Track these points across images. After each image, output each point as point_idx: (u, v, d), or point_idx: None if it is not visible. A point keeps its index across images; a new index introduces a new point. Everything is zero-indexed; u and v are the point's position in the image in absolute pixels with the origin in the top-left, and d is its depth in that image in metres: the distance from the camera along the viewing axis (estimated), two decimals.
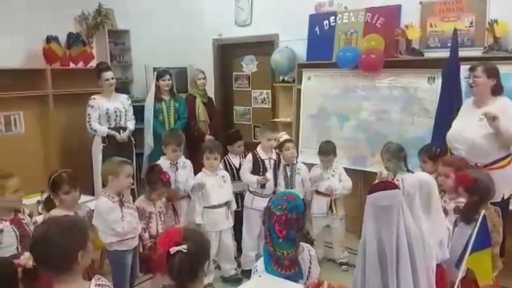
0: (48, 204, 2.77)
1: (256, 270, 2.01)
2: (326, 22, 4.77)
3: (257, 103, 5.75)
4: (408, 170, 3.54)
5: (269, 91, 5.59)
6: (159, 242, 1.64)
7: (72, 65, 5.28)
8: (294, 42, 4.97)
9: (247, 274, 3.62)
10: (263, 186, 3.66)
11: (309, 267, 2.04)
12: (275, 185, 3.76)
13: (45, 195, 3.45)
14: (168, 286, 1.66)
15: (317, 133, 4.72)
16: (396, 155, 3.56)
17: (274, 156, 3.79)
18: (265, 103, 5.67)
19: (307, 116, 4.84)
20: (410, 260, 1.81)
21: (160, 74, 4.96)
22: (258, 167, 3.69)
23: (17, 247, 2.40)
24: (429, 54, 4.17)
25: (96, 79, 4.72)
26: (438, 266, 2.07)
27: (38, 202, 3.45)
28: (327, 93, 4.68)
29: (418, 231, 1.89)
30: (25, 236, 2.43)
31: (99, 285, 1.61)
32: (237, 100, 5.93)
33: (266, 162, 3.71)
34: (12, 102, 4.73)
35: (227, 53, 5.85)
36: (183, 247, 1.56)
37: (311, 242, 2.18)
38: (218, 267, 3.75)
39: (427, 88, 4.04)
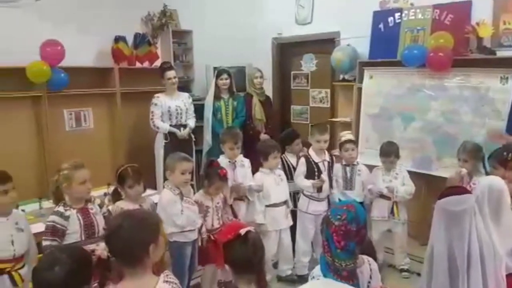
0: (115, 196, 2.90)
1: (313, 277, 1.95)
2: (391, 19, 4.61)
3: (315, 102, 5.68)
4: (487, 173, 3.25)
5: (328, 90, 5.50)
6: (220, 235, 1.66)
7: (138, 65, 5.50)
8: (356, 39, 4.85)
9: (301, 279, 3.59)
10: (319, 189, 3.59)
11: (369, 282, 1.92)
12: (331, 186, 3.69)
13: (111, 188, 3.64)
14: (225, 283, 1.67)
15: (379, 134, 4.56)
16: (473, 155, 3.32)
17: (327, 157, 3.71)
18: (324, 102, 5.59)
19: (368, 116, 4.70)
20: (481, 268, 1.69)
21: (219, 73, 5.04)
22: (312, 171, 3.61)
23: (81, 235, 2.51)
24: (502, 53, 3.91)
25: (160, 78, 4.89)
26: (508, 276, 1.92)
27: (105, 194, 3.65)
28: (390, 92, 4.52)
29: (489, 238, 1.76)
30: (89, 225, 2.55)
31: (167, 281, 1.62)
32: (295, 99, 5.89)
33: (320, 165, 3.63)
34: (82, 99, 5.01)
35: (286, 52, 5.83)
36: (251, 228, 1.60)
37: (374, 254, 2.05)
38: (275, 266, 3.74)
39: (499, 89, 3.79)
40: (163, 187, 3.12)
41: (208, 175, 3.15)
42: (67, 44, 4.54)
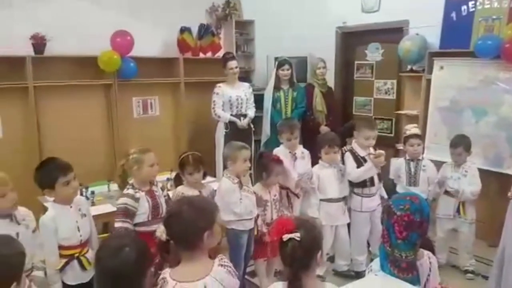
0: (177, 182, 2.99)
1: (371, 270, 1.91)
2: (464, 7, 4.32)
3: (380, 93, 5.48)
4: None
5: (394, 81, 5.29)
6: (272, 229, 1.66)
7: (201, 55, 5.62)
8: (425, 28, 4.61)
9: (358, 275, 3.51)
10: (371, 184, 3.44)
11: (428, 275, 1.87)
12: (379, 180, 3.55)
13: (174, 174, 3.76)
14: (280, 272, 1.66)
15: (448, 128, 4.32)
16: None
17: (372, 151, 3.51)
18: (389, 94, 5.38)
19: (437, 109, 4.47)
20: None
21: (280, 63, 5.01)
22: (359, 165, 3.46)
23: (148, 215, 2.64)
24: None
25: (222, 68, 4.96)
26: None
27: (168, 179, 3.78)
28: (461, 84, 4.26)
29: None
30: (156, 206, 2.68)
31: (222, 265, 1.69)
32: (358, 90, 5.72)
33: (367, 158, 3.46)
34: (149, 87, 5.22)
35: (351, 41, 5.68)
36: (296, 235, 1.57)
37: (432, 252, 1.98)
38: (331, 260, 3.69)
39: None
40: (223, 175, 3.18)
41: (264, 166, 3.15)
42: (136, 35, 4.73)
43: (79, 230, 2.43)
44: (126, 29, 4.70)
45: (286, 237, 1.57)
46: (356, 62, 5.67)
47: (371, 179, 3.46)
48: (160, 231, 2.32)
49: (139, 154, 2.65)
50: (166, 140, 5.33)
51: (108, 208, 3.32)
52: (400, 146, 3.94)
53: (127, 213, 2.57)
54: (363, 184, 3.47)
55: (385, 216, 1.84)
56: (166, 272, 1.71)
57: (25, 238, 2.23)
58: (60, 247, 2.39)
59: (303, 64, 5.61)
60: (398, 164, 3.75)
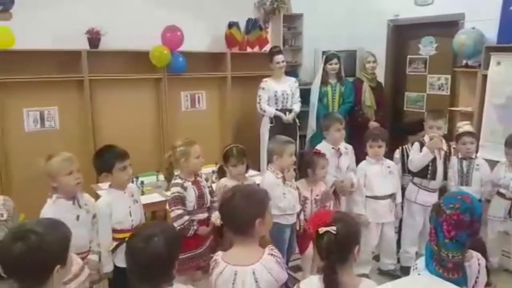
0: (220, 174, 3.04)
1: (416, 268, 1.87)
2: None
3: (433, 89, 5.27)
4: None
5: (449, 76, 5.08)
6: (309, 222, 1.67)
7: (248, 49, 5.65)
8: (482, 22, 4.39)
9: (405, 270, 3.42)
10: (432, 177, 3.32)
11: (477, 277, 1.80)
12: (445, 178, 3.42)
13: (218, 166, 3.82)
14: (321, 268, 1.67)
15: (504, 126, 4.10)
16: None
17: (444, 146, 3.43)
18: (443, 90, 5.17)
19: (493, 106, 4.24)
20: None
21: (329, 57, 4.94)
22: None
23: (194, 204, 2.73)
24: None
25: (269, 62, 4.96)
26: None
27: (213, 171, 3.85)
28: None
29: None
30: (201, 196, 2.76)
31: (272, 254, 1.76)
32: (410, 86, 5.54)
33: (436, 152, 3.37)
34: (197, 82, 5.32)
35: (403, 35, 5.50)
36: (331, 228, 1.57)
37: (484, 254, 1.90)
38: (376, 258, 3.62)
39: None
40: (266, 169, 3.19)
41: (308, 162, 3.12)
42: (185, 30, 4.83)
43: (131, 215, 2.57)
44: (176, 24, 4.81)
45: (321, 230, 1.58)
46: (408, 56, 5.50)
47: (433, 172, 3.37)
48: (215, 216, 2.40)
49: (186, 147, 2.72)
50: (212, 133, 5.42)
51: (156, 197, 3.44)
52: (452, 144, 3.77)
53: (181, 200, 2.67)
54: (423, 174, 3.39)
55: (434, 214, 1.80)
56: (219, 255, 1.80)
57: (84, 222, 2.42)
58: (113, 231, 2.53)
59: (352, 58, 5.51)
60: (450, 163, 3.60)
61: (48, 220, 1.58)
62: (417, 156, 3.36)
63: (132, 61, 4.81)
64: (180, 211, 2.65)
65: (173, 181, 2.76)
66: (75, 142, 4.51)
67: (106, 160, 2.52)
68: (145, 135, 4.98)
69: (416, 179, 3.45)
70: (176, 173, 2.81)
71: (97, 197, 3.55)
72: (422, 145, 3.39)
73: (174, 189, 2.70)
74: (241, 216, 1.73)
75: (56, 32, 4.37)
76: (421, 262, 1.85)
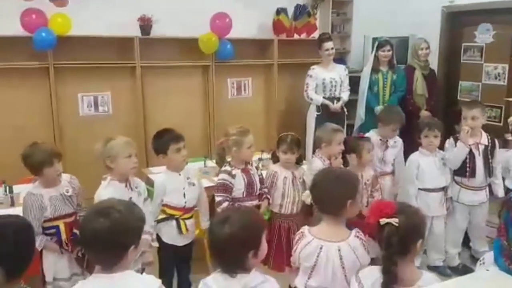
0: (274, 159, 3.04)
1: (483, 263, 1.81)
2: None
3: (489, 78, 5.01)
4: None
5: (506, 65, 4.79)
6: (370, 212, 1.64)
7: (296, 36, 5.58)
8: None
9: (454, 271, 3.35)
10: (471, 175, 3.17)
11: None
12: (488, 175, 3.25)
13: (264, 154, 3.83)
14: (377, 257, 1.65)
15: None
16: None
17: (484, 140, 3.23)
18: (500, 79, 4.90)
19: None
20: None
21: (381, 44, 4.78)
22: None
23: (243, 192, 2.75)
24: None
25: (317, 49, 4.88)
26: None
27: (259, 159, 3.87)
28: None
29: None
30: (250, 184, 2.78)
31: (358, 236, 1.81)
32: (464, 74, 5.28)
33: (473, 148, 3.19)
34: (244, 69, 5.33)
35: (458, 22, 5.24)
36: (394, 220, 1.54)
37: None
38: (424, 252, 3.53)
39: None
40: (312, 156, 3.18)
41: (353, 147, 3.06)
42: (234, 17, 4.83)
43: (184, 196, 2.66)
44: (225, 11, 4.81)
45: (383, 221, 1.56)
46: (463, 43, 5.24)
47: (472, 169, 3.21)
48: (306, 195, 2.41)
49: (239, 136, 2.74)
50: (257, 121, 5.42)
51: (204, 183, 3.49)
52: (509, 137, 3.58)
53: (226, 188, 2.71)
54: (461, 172, 3.25)
55: (505, 209, 1.75)
56: (305, 228, 1.89)
57: (136, 204, 2.46)
58: (166, 205, 2.66)
59: (404, 44, 5.32)
60: (506, 157, 3.42)
61: (125, 201, 1.66)
62: (452, 153, 3.22)
63: (181, 48, 4.89)
64: (220, 198, 2.69)
65: (222, 168, 2.80)
66: (127, 127, 4.66)
67: (162, 142, 2.62)
68: (193, 121, 5.07)
69: (456, 177, 3.30)
70: (228, 159, 2.83)
71: (148, 180, 3.69)
72: (455, 139, 3.25)
73: (221, 176, 2.75)
74: (333, 197, 1.79)
75: (110, 19, 4.49)
76: (489, 257, 1.79)
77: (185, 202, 2.67)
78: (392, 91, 4.78)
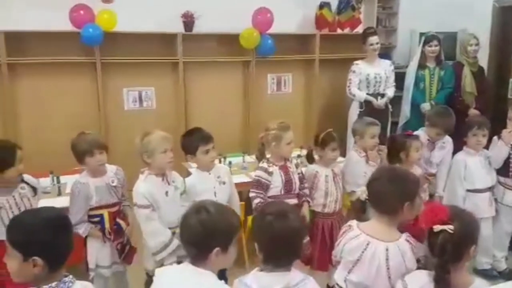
0: (309, 159, 2.99)
1: None
2: None
3: None
4: None
5: None
6: (422, 216, 1.57)
7: (339, 31, 5.47)
8: None
9: (502, 275, 3.20)
10: None
11: None
12: None
13: (303, 151, 3.78)
14: (423, 256, 1.58)
15: None
16: None
17: None
18: None
19: None
20: None
21: (428, 39, 4.61)
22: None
23: (281, 189, 2.71)
24: None
25: (361, 44, 4.77)
26: None
27: (298, 156, 3.82)
28: None
29: None
30: (288, 181, 2.72)
31: (408, 240, 1.75)
32: None
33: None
34: (284, 64, 5.29)
35: (510, 17, 4.96)
36: (449, 227, 1.47)
37: None
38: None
39: None
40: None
41: (401, 144, 2.94)
42: (276, 12, 4.79)
43: (215, 195, 2.62)
44: (267, 6, 4.78)
45: (437, 228, 1.49)
46: None
47: None
48: (362, 190, 2.37)
49: (279, 131, 2.69)
50: (297, 117, 5.37)
51: (242, 178, 3.50)
52: None
53: (260, 185, 2.68)
54: (504, 172, 3.12)
55: None
56: (353, 222, 1.85)
57: (173, 198, 2.51)
58: None
59: (453, 40, 5.10)
60: None
61: (223, 205, 1.67)
62: (493, 153, 3.12)
63: (222, 44, 4.91)
64: (252, 194, 2.67)
65: (260, 164, 2.78)
66: (169, 122, 4.74)
67: (190, 143, 2.59)
68: (232, 116, 5.09)
69: (500, 178, 3.16)
70: (267, 155, 2.80)
71: (187, 174, 3.74)
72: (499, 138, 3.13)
73: (257, 173, 2.72)
74: (390, 197, 1.73)
75: (154, 15, 4.57)
76: None
77: (217, 200, 2.59)
78: (439, 88, 4.60)
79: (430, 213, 1.52)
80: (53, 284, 1.33)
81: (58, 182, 3.30)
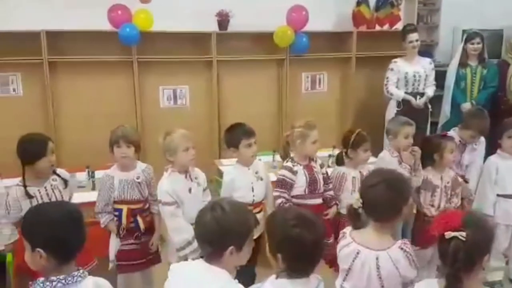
0: (339, 161, 2.92)
1: None
2: None
3: None
4: None
5: None
6: (435, 222, 1.49)
7: (377, 28, 5.32)
8: None
9: None
10: None
11: None
12: None
13: (336, 150, 3.70)
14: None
15: None
16: None
17: None
18: None
19: None
20: None
21: (470, 36, 4.42)
22: None
23: (305, 189, 2.68)
24: None
25: (400, 41, 4.61)
26: None
27: (329, 156, 3.75)
28: None
29: None
30: (313, 181, 2.69)
31: (402, 248, 1.68)
32: None
33: None
34: (319, 63, 5.19)
35: None
36: (461, 234, 1.39)
37: None
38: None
39: None
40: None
41: (434, 146, 2.85)
42: (311, 9, 4.72)
43: (252, 191, 2.65)
44: (302, 3, 4.72)
45: (449, 234, 1.41)
46: None
47: None
48: (356, 198, 2.32)
49: (305, 129, 2.67)
50: (331, 116, 5.29)
51: (271, 177, 3.46)
52: None
53: (284, 184, 2.65)
54: None
55: None
56: (348, 229, 1.82)
57: (196, 194, 2.54)
58: None
59: (497, 38, 4.85)
60: None
61: (239, 204, 1.66)
62: None
63: (256, 42, 4.90)
64: (276, 193, 2.66)
65: (284, 163, 2.75)
66: (202, 120, 4.81)
67: (234, 136, 2.64)
68: (265, 115, 5.07)
69: None
70: (292, 154, 2.77)
71: (218, 172, 3.76)
72: None
73: (281, 172, 2.70)
74: (387, 206, 1.69)
75: (189, 15, 4.61)
76: None
77: (253, 196, 2.66)
78: (481, 87, 4.39)
79: (442, 219, 1.45)
80: (61, 276, 1.37)
81: (93, 176, 3.41)
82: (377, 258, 1.67)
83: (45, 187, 2.45)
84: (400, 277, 1.66)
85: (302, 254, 1.49)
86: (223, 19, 4.75)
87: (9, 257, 2.62)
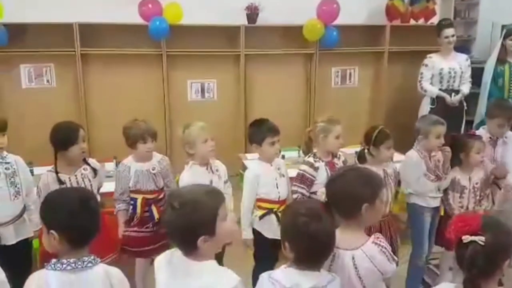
0: (361, 159, 2.83)
1: None
2: None
3: None
4: None
5: None
6: (452, 224, 1.41)
7: (412, 22, 5.16)
8: None
9: None
10: None
11: None
12: None
13: (360, 150, 3.60)
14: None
15: None
16: None
17: None
18: None
19: None
20: None
21: (509, 32, 4.22)
22: None
23: None
24: None
25: (435, 36, 4.44)
26: None
27: (356, 152, 3.65)
28: None
29: None
30: None
31: (376, 243, 1.61)
32: None
33: None
34: (349, 57, 5.09)
35: None
36: (479, 239, 1.31)
37: None
38: None
39: None
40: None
41: (461, 145, 2.73)
42: (343, 2, 4.61)
43: (277, 187, 2.61)
44: None
45: (466, 238, 1.33)
46: None
47: None
48: (321, 191, 2.27)
49: (328, 124, 2.61)
50: (361, 113, 5.20)
51: (293, 173, 3.42)
52: None
53: (304, 180, 2.60)
54: None
55: None
56: None
57: (216, 186, 2.47)
58: (261, 200, 2.60)
59: None
60: None
61: (194, 191, 1.50)
62: None
63: (285, 36, 4.85)
64: (294, 188, 2.61)
65: (305, 158, 2.70)
66: (229, 114, 4.81)
67: (258, 133, 2.59)
68: (293, 110, 5.03)
69: None
70: (314, 150, 2.71)
71: (243, 166, 3.74)
72: None
73: (302, 167, 2.64)
74: (346, 198, 1.61)
75: (218, 8, 4.62)
76: None
77: (279, 193, 2.62)
78: None
79: (460, 222, 1.36)
80: (71, 260, 1.39)
81: None
82: (353, 258, 1.60)
83: (75, 175, 2.49)
84: (379, 273, 1.60)
85: (306, 244, 1.46)
86: (252, 13, 4.71)
87: (36, 243, 2.69)
